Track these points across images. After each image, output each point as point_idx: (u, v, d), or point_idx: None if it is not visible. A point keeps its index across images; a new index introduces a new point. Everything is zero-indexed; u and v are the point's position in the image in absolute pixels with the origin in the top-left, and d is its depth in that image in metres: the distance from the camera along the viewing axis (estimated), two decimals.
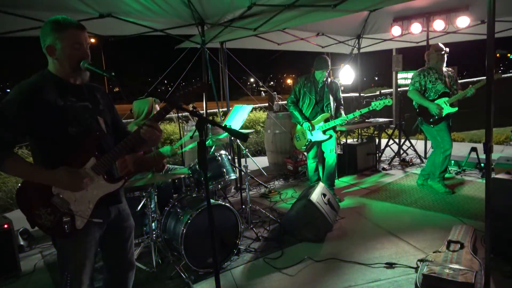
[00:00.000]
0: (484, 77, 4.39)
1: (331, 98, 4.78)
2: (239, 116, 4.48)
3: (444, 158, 4.87)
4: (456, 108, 4.76)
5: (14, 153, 1.78)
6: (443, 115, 4.76)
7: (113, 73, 1.79)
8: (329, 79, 4.83)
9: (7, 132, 1.72)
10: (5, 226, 3.30)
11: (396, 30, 6.53)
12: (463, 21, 5.71)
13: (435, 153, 4.97)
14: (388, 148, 7.12)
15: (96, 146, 1.91)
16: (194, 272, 3.15)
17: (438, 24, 6.04)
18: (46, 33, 1.81)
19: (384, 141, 7.19)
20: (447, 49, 4.84)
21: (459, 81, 5.36)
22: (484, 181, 5.27)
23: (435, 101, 4.77)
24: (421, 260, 2.94)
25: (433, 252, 3.01)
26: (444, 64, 4.87)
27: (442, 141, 4.85)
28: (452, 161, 6.16)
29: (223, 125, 2.23)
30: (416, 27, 6.27)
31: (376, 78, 59.76)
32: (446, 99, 4.74)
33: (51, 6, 3.89)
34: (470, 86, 4.65)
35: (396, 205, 4.65)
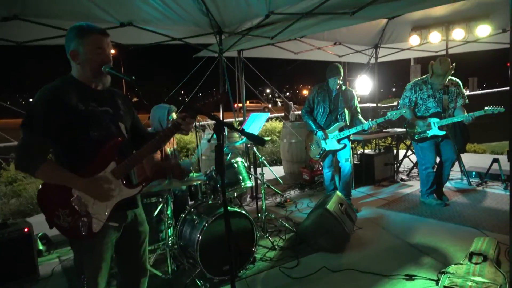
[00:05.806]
0: (487, 108, 4.16)
1: (345, 107, 4.74)
2: (256, 124, 4.47)
3: (426, 175, 4.79)
4: (444, 132, 4.56)
5: (48, 159, 1.80)
6: (429, 136, 4.63)
7: (133, 77, 1.82)
8: (343, 87, 4.79)
9: (39, 136, 1.75)
10: (25, 230, 3.34)
11: (414, 39, 6.46)
12: (483, 30, 5.61)
13: (419, 170, 4.95)
14: (406, 159, 7.01)
15: (117, 151, 1.93)
16: (209, 279, 3.13)
17: (458, 33, 5.94)
18: (70, 38, 1.85)
19: (402, 152, 7.08)
20: (448, 67, 4.35)
21: (479, 92, 5.20)
22: (507, 192, 5.16)
23: (428, 119, 4.61)
24: (442, 272, 2.85)
25: (455, 264, 2.93)
26: (447, 79, 4.45)
27: (423, 158, 4.78)
28: (474, 173, 6.02)
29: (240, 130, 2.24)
30: (435, 36, 6.19)
31: (394, 89, 59.33)
32: (436, 120, 4.56)
33: (73, 15, 3.98)
34: (470, 113, 4.29)
35: (414, 216, 4.54)
